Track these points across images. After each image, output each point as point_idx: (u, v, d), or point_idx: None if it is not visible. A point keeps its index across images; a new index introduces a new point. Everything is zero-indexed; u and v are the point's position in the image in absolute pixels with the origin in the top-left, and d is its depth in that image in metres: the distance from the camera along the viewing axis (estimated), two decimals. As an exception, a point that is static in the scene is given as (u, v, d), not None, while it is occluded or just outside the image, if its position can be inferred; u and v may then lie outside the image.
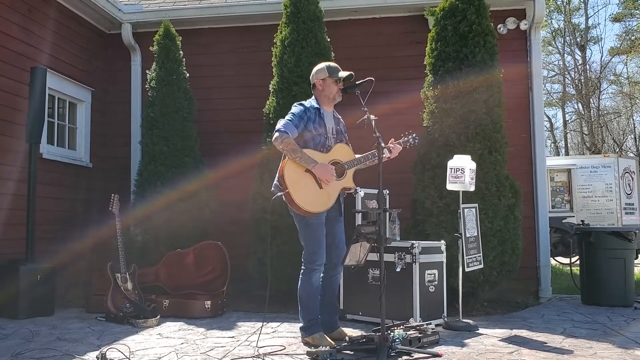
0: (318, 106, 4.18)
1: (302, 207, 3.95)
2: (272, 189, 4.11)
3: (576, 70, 28.14)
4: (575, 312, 5.63)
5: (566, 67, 28.60)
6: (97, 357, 3.60)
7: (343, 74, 4.16)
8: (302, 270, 4.13)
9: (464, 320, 4.85)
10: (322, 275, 4.25)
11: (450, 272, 5.12)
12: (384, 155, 4.04)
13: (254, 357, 3.79)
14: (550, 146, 29.74)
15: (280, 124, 4.04)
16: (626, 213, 12.98)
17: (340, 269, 4.23)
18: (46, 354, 3.86)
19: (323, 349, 3.65)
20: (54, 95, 6.68)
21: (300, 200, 3.93)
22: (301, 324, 4.18)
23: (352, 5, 6.81)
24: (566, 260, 11.23)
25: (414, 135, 4.37)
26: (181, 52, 6.56)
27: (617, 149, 27.37)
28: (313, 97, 4.26)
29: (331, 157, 4.09)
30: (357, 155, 4.19)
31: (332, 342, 3.97)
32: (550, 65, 28.72)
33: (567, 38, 28.26)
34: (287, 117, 4.08)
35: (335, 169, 4.03)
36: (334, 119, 4.28)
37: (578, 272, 6.47)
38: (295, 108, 4.15)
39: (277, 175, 4.06)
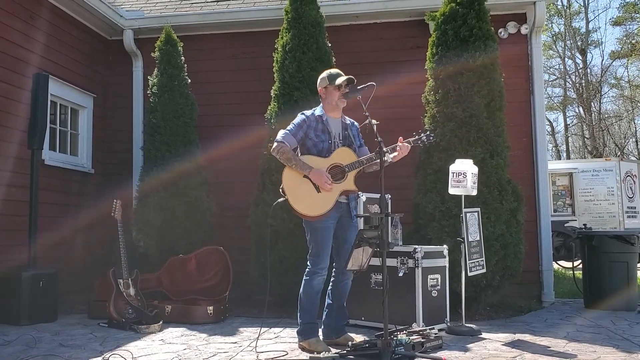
0: (321, 114, 4.21)
1: (300, 212, 4.03)
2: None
3: (577, 74, 28.19)
4: (578, 316, 5.61)
5: (567, 71, 28.67)
6: (99, 363, 3.61)
7: (341, 79, 4.17)
8: (306, 271, 4.17)
9: (467, 324, 4.84)
10: (332, 279, 4.29)
11: (452, 277, 5.12)
12: (392, 155, 4.03)
13: (256, 362, 3.79)
14: (552, 150, 29.74)
15: (279, 134, 4.15)
16: (628, 216, 12.97)
17: (350, 275, 4.22)
18: (49, 361, 3.86)
19: (326, 354, 3.64)
20: (55, 101, 6.69)
21: (298, 206, 4.02)
22: (298, 327, 4.19)
23: (353, 10, 6.83)
24: (569, 264, 11.21)
25: (428, 133, 4.32)
26: (182, 58, 6.57)
27: (619, 153, 27.38)
28: (320, 105, 4.29)
29: (331, 161, 4.11)
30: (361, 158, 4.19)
31: (329, 347, 3.99)
32: (551, 69, 28.81)
33: (568, 42, 28.32)
34: (287, 127, 4.19)
35: (335, 172, 4.06)
36: (342, 125, 4.29)
37: (581, 276, 6.46)
38: (296, 118, 4.25)
39: None
